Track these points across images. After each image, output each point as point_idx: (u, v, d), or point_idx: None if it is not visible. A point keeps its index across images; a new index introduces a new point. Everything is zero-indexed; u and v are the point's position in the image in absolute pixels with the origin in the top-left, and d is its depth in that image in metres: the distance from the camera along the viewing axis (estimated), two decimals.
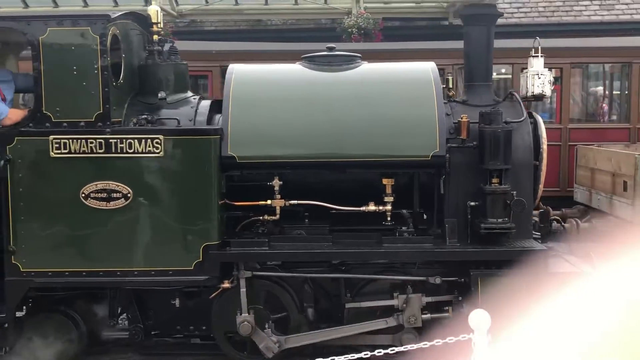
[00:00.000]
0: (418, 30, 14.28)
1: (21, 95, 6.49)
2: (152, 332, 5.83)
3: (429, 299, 5.51)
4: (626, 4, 14.37)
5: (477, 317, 3.86)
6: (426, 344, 4.22)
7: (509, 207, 5.33)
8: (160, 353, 5.98)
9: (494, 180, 5.35)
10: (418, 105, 5.40)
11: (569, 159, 9.41)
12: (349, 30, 12.68)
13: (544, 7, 14.78)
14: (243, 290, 5.36)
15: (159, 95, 5.58)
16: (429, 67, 5.70)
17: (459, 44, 11.93)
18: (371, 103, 5.45)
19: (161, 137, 5.13)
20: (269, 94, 5.52)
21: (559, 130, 9.59)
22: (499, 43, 11.03)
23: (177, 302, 5.48)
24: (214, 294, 5.51)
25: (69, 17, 5.08)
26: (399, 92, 5.51)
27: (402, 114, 5.39)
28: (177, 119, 5.33)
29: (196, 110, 5.63)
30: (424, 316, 5.49)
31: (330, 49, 5.90)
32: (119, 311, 5.78)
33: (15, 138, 5.11)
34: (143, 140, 5.12)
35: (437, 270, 5.56)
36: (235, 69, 5.65)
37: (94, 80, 5.07)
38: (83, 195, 5.12)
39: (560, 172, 9.53)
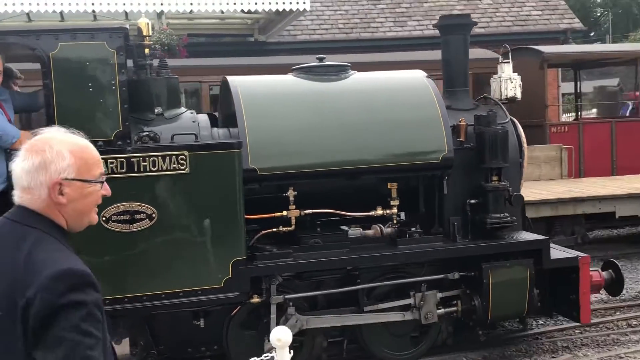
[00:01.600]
0: (224, 47, 14.52)
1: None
2: (162, 356, 5.59)
3: (443, 295, 5.76)
4: (417, 20, 15.56)
5: (278, 333, 3.39)
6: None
7: (508, 202, 5.75)
8: None
9: (494, 178, 5.74)
10: (422, 111, 5.66)
11: None
12: (152, 46, 12.52)
13: (343, 24, 15.53)
14: (273, 316, 5.25)
15: (156, 110, 5.39)
16: (421, 75, 5.99)
17: (266, 60, 11.99)
18: (377, 110, 5.63)
19: (186, 153, 4.97)
20: (279, 105, 5.52)
21: None
22: (301, 59, 11.58)
23: (201, 322, 5.30)
24: (235, 312, 5.41)
25: (82, 30, 4.78)
26: (402, 98, 5.74)
27: (409, 120, 5.63)
28: (194, 134, 5.18)
29: (198, 125, 5.49)
30: (438, 311, 5.73)
31: (321, 59, 6.00)
32: (128, 338, 5.47)
33: None
34: (167, 157, 4.93)
35: (440, 268, 5.83)
36: (238, 82, 5.59)
37: (112, 96, 4.82)
38: (104, 218, 4.82)
39: None
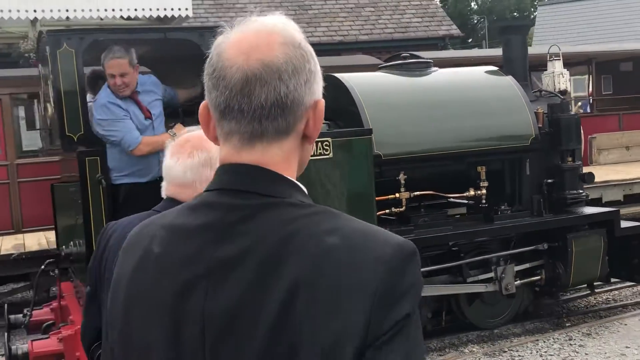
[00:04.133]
0: None
1: None
2: None
3: (521, 267, 6.44)
4: (302, 27, 15.50)
5: None
6: None
7: (581, 180, 6.52)
8: None
9: (569, 158, 6.50)
10: (510, 101, 6.35)
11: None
12: (26, 55, 12.19)
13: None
14: None
15: None
16: (496, 69, 6.70)
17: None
18: (471, 101, 6.28)
19: (330, 139, 5.43)
20: (388, 98, 6.07)
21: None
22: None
23: None
24: None
25: None
26: (490, 90, 6.43)
27: (501, 109, 6.31)
28: (328, 123, 5.65)
29: None
30: (516, 282, 6.40)
31: (405, 57, 6.61)
32: None
33: None
34: (315, 144, 5.36)
35: (523, 241, 6.51)
36: (349, 79, 6.08)
37: None
38: None
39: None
